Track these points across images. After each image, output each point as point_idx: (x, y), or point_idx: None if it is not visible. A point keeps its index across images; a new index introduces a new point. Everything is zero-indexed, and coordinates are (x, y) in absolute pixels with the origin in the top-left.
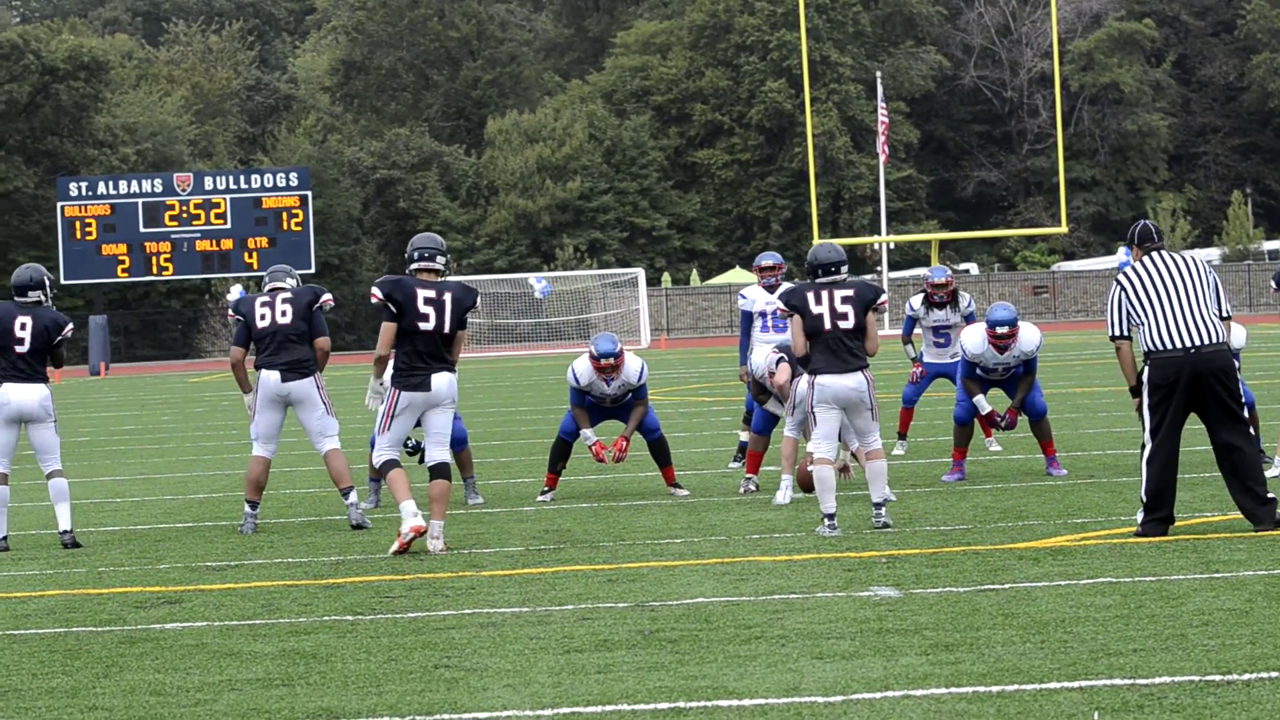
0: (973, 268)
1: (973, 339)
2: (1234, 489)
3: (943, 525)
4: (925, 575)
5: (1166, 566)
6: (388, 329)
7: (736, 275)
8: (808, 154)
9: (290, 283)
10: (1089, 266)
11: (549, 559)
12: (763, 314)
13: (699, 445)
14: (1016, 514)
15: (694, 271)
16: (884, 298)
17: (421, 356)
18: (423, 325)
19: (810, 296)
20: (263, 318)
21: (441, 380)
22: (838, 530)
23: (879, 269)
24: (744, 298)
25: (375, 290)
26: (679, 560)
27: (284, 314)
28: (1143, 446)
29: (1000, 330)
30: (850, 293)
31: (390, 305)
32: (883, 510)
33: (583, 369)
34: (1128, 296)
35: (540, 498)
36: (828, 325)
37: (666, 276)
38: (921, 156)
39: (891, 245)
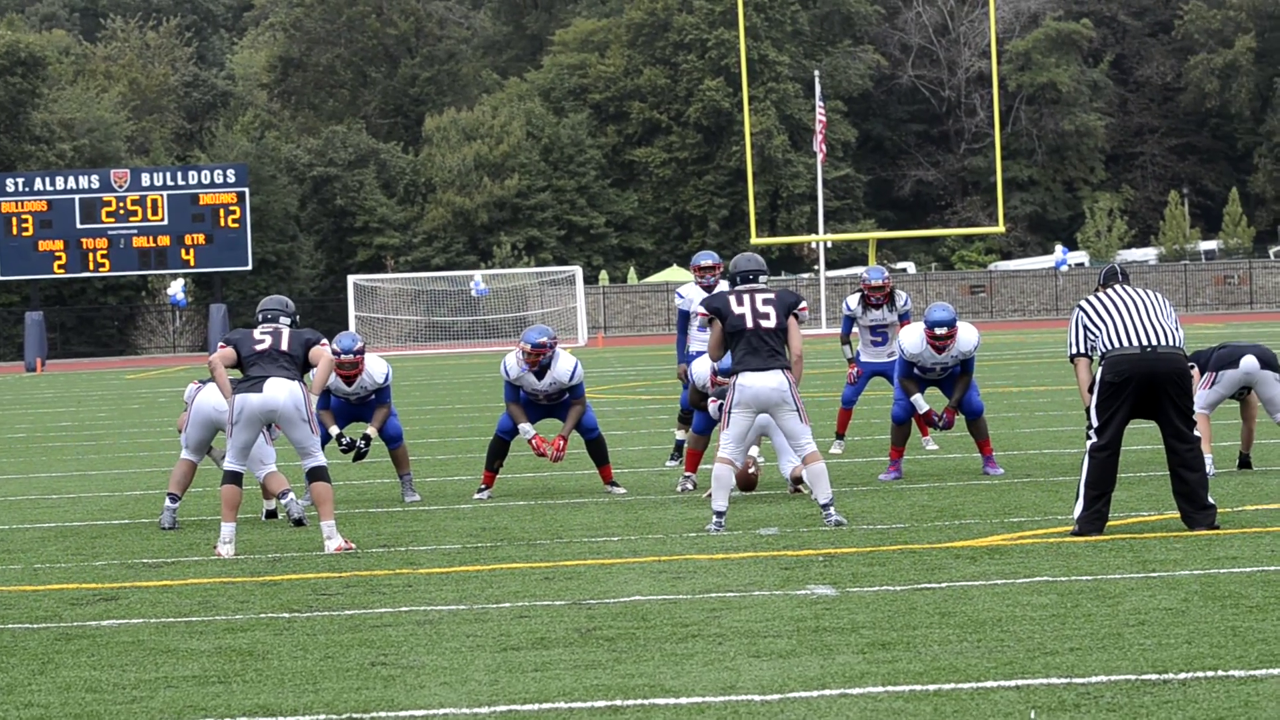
0: (910, 266)
1: (910, 338)
2: (1177, 492)
3: (880, 524)
4: (862, 574)
5: (1103, 565)
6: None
7: (674, 273)
8: (745, 152)
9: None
10: (1026, 266)
11: (486, 556)
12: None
13: (636, 444)
14: (953, 513)
15: (631, 269)
16: (804, 304)
17: (260, 367)
18: (258, 347)
19: (731, 300)
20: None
21: (279, 387)
22: (722, 529)
23: (816, 268)
24: (681, 296)
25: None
26: (616, 558)
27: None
28: (1086, 440)
29: (939, 331)
30: (771, 295)
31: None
32: (831, 509)
33: (512, 361)
34: (1086, 316)
35: (477, 495)
36: (749, 324)
37: (604, 274)
38: (859, 155)
39: (829, 244)
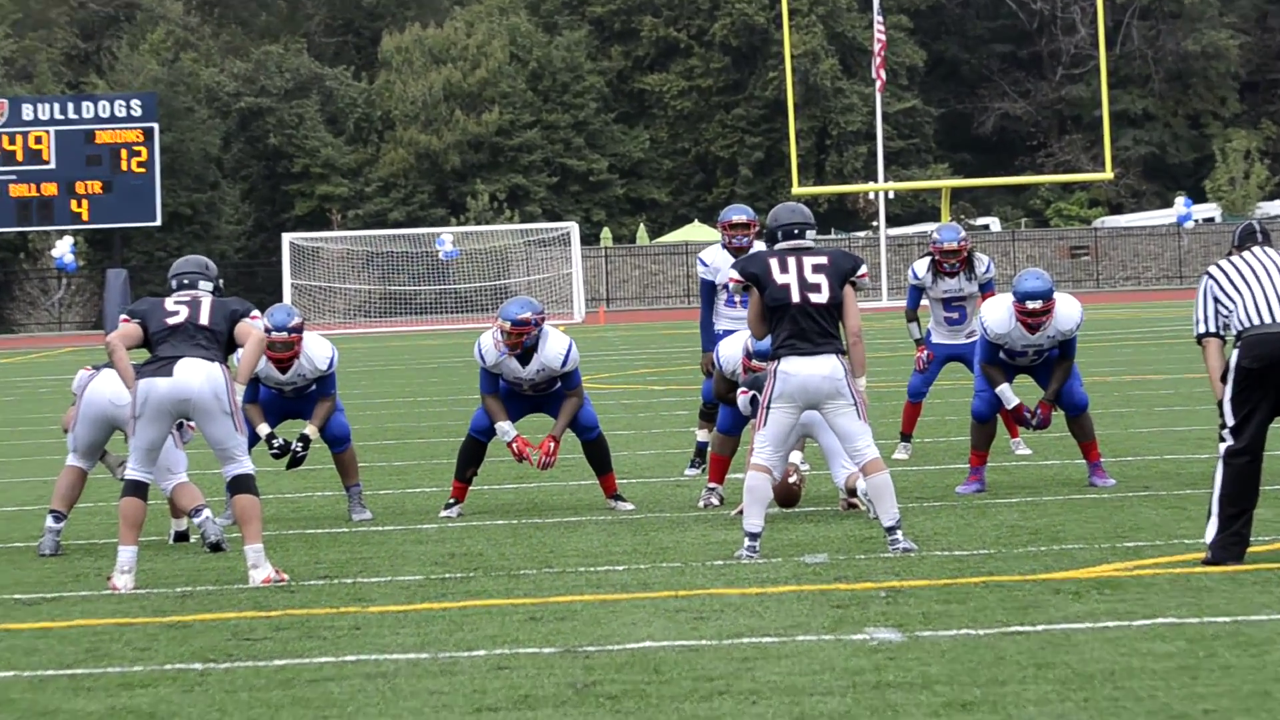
0: (994, 223)
1: (995, 314)
2: None
3: (958, 550)
4: (935, 614)
5: (1244, 604)
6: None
7: (695, 232)
8: (786, 79)
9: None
10: (1140, 222)
11: (455, 591)
12: (728, 285)
13: (647, 447)
14: (1051, 536)
15: (641, 227)
16: (864, 269)
17: (172, 345)
18: (170, 321)
19: (773, 264)
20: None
21: (195, 371)
22: (756, 555)
23: (874, 225)
24: (704, 264)
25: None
26: (621, 593)
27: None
28: (1220, 444)
29: (1031, 305)
30: (823, 260)
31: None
32: (898, 533)
33: (489, 343)
34: (1218, 285)
35: (445, 512)
36: (796, 297)
37: (607, 233)
38: (928, 84)
39: (891, 195)
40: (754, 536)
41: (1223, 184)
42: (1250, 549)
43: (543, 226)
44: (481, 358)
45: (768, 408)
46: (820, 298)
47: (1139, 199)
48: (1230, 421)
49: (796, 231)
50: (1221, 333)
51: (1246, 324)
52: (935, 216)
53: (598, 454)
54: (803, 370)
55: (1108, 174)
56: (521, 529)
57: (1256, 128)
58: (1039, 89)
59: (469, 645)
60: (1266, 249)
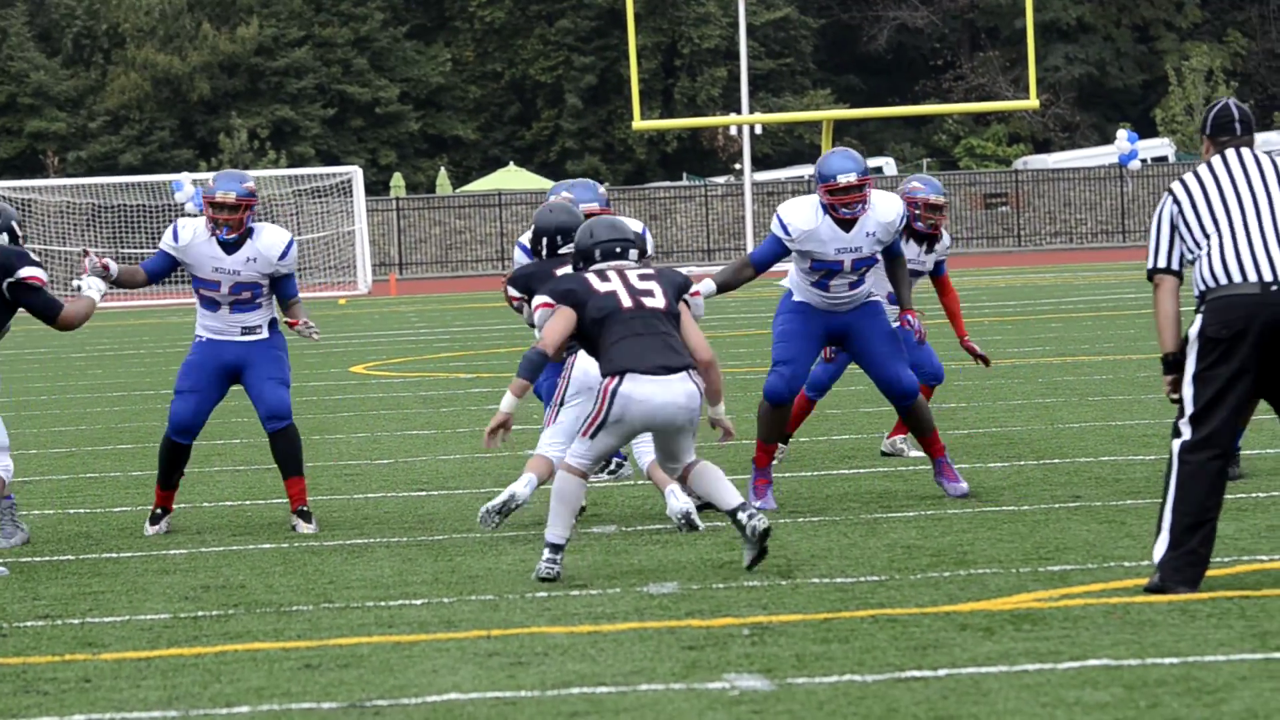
0: (888, 164)
1: (798, 210)
2: None
3: (839, 575)
4: (812, 656)
5: (1197, 641)
6: None
7: (510, 178)
8: None
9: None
10: (1073, 162)
11: (211, 632)
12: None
13: (451, 449)
14: (957, 558)
15: (442, 172)
16: (696, 288)
17: None
18: None
19: (590, 277)
20: None
21: None
22: (556, 569)
23: (738, 168)
24: (523, 248)
25: None
26: (419, 633)
27: None
28: (1174, 438)
29: (844, 179)
30: (650, 271)
31: None
32: (748, 512)
33: (192, 226)
34: (1181, 213)
35: (150, 529)
36: (627, 302)
37: (398, 179)
38: None
39: (758, 130)
40: (556, 549)
41: (1177, 113)
42: (1207, 572)
43: (317, 172)
44: (174, 236)
45: (600, 425)
46: (655, 302)
47: (1071, 134)
48: (1190, 407)
49: (619, 250)
50: (1179, 270)
51: (1212, 282)
52: (811, 154)
53: (288, 450)
54: (654, 397)
55: (1032, 102)
56: (293, 554)
57: (1221, 42)
58: None
59: (228, 700)
60: (1252, 152)
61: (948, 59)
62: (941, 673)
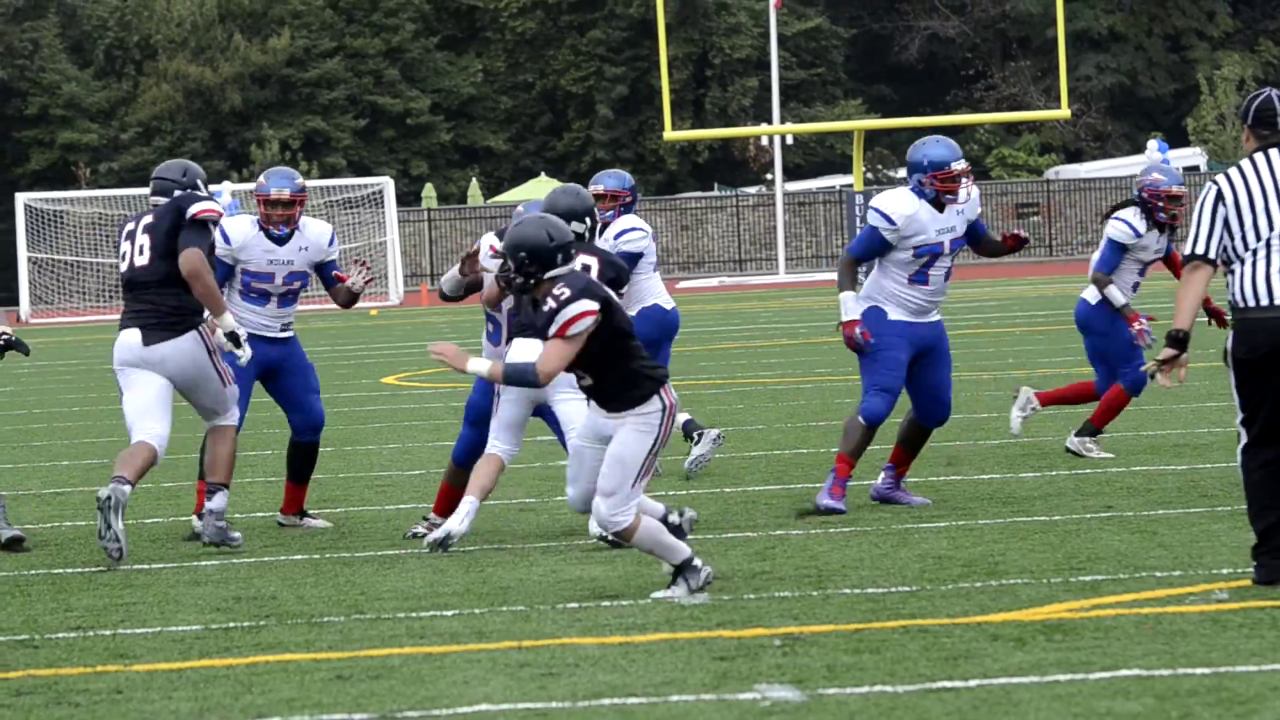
0: None
1: (895, 200)
2: None
3: (870, 586)
4: (843, 666)
5: (1229, 652)
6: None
7: (541, 188)
8: None
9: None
10: (1105, 172)
11: (242, 644)
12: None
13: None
14: (988, 568)
15: (474, 183)
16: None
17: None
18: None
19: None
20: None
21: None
22: (708, 569)
23: (769, 178)
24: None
25: None
26: (450, 644)
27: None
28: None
29: (956, 166)
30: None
31: None
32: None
33: (240, 225)
34: (1226, 215)
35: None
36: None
37: (430, 190)
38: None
39: (790, 140)
40: (688, 565)
41: (1209, 123)
42: (1237, 583)
43: (349, 183)
44: (226, 240)
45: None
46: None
47: (1103, 143)
48: (1241, 413)
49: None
50: (1216, 260)
51: (1241, 301)
52: (843, 165)
53: (309, 460)
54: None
55: (1064, 111)
56: (325, 565)
57: (1253, 51)
58: (977, 3)
59: (260, 711)
60: None
61: (979, 69)
62: (973, 683)
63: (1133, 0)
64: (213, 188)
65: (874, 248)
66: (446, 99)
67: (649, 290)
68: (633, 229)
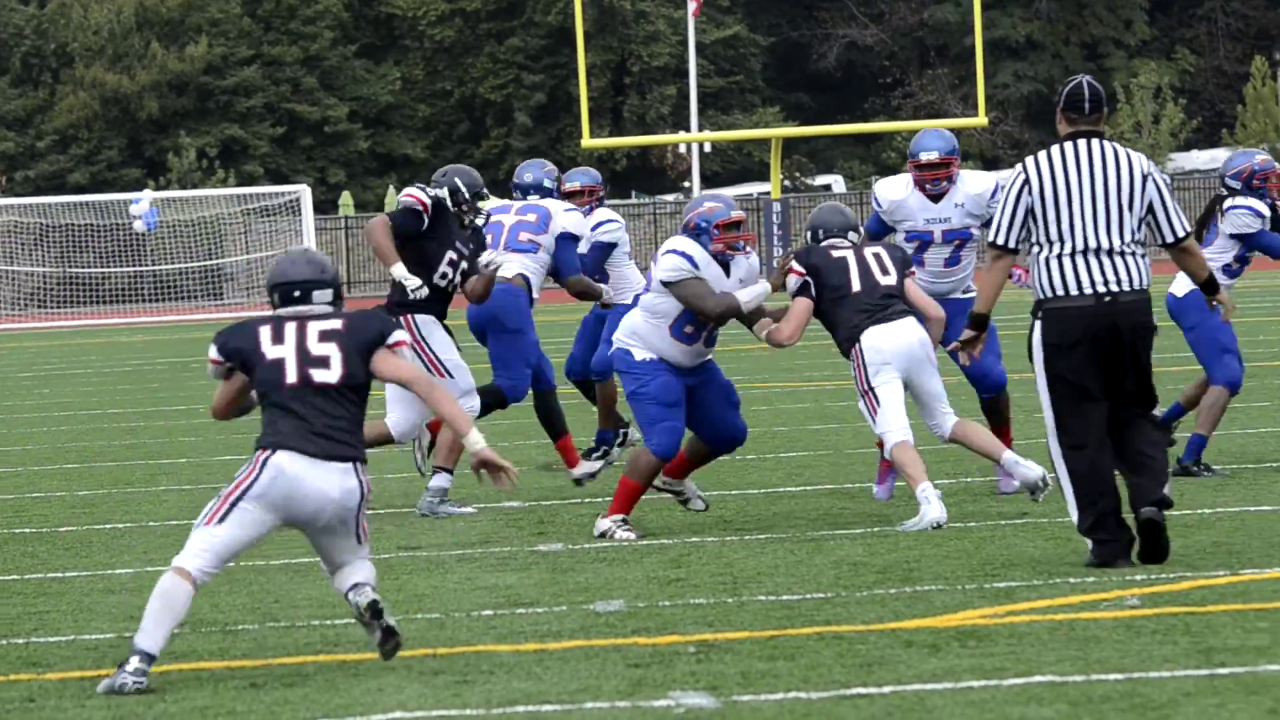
0: (837, 182)
1: (890, 185)
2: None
3: (785, 593)
4: (757, 673)
5: (1142, 658)
6: None
7: None
8: (573, 1)
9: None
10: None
11: None
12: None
13: (402, 465)
14: (903, 574)
15: (391, 190)
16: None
17: None
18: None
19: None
20: None
21: None
22: (144, 680)
23: (687, 186)
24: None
25: None
26: (365, 652)
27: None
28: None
29: (926, 157)
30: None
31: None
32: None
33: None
34: (1032, 205)
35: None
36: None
37: (347, 198)
38: (755, 6)
39: (708, 148)
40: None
41: (1127, 130)
42: (1150, 589)
43: (266, 190)
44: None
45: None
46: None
47: (1020, 151)
48: (1050, 410)
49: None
50: (1016, 246)
51: (1048, 291)
52: (760, 173)
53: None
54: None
55: (981, 119)
56: (239, 574)
57: (1170, 59)
58: (894, 11)
59: (172, 719)
60: (1101, 144)
61: (897, 77)
62: (887, 690)
63: (1050, 8)
64: (132, 195)
65: (874, 227)
66: (364, 107)
67: (633, 279)
68: (609, 220)
